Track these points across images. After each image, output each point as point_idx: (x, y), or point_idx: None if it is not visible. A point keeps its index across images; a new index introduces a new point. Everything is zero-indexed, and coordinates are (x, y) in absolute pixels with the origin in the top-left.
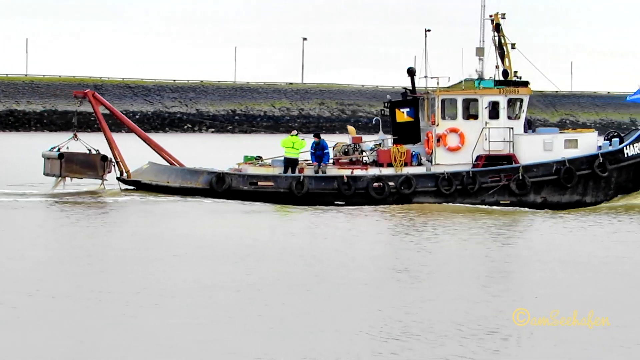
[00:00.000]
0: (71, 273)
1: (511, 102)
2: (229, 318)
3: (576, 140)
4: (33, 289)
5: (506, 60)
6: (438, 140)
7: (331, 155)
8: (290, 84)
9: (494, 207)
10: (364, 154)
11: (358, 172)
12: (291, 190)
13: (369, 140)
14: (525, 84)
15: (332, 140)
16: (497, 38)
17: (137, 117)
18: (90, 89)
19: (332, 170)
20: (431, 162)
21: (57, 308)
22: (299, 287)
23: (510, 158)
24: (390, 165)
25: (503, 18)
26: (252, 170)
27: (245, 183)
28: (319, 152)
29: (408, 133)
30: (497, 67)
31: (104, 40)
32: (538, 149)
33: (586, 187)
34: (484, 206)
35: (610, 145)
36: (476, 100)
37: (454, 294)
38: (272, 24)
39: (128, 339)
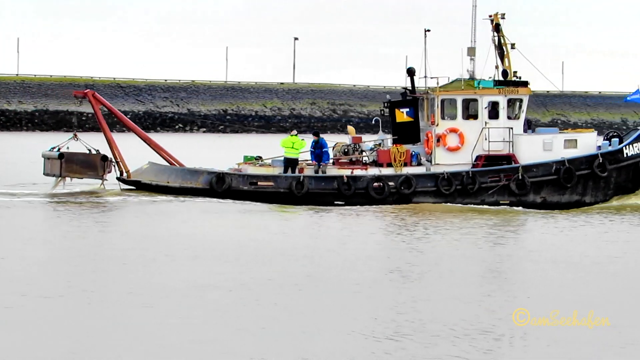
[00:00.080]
0: (69, 273)
1: (511, 102)
2: (221, 318)
3: (576, 140)
4: (26, 289)
5: (506, 60)
6: (438, 140)
7: (331, 155)
8: (282, 83)
9: (493, 207)
10: (364, 154)
11: (358, 172)
12: (291, 190)
13: (368, 140)
14: (525, 84)
15: (330, 140)
16: (496, 38)
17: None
18: (90, 89)
19: (332, 170)
20: (431, 162)
21: (52, 308)
22: (292, 287)
23: (509, 158)
24: (390, 165)
25: (503, 18)
26: (252, 170)
27: (245, 183)
28: (317, 151)
29: (408, 133)
30: (496, 67)
31: (96, 39)
32: (538, 149)
33: (586, 187)
34: (483, 206)
35: (609, 145)
36: (476, 100)
37: (449, 293)
38: (263, 24)
39: (122, 339)
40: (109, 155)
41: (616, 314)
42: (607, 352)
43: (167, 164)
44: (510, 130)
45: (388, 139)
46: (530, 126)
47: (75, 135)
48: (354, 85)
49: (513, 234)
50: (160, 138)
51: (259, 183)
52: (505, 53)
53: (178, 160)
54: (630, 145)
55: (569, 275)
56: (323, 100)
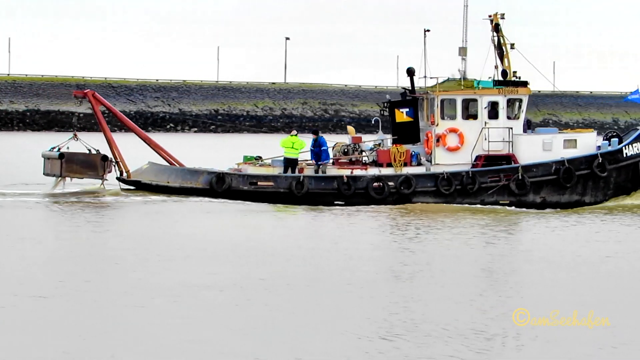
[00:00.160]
0: (66, 273)
1: (510, 102)
2: (217, 318)
3: (575, 140)
4: (25, 289)
5: (505, 60)
6: (437, 140)
7: (331, 155)
8: (273, 83)
9: (493, 207)
10: (364, 154)
11: (358, 172)
12: (291, 190)
13: (368, 141)
14: (525, 84)
15: (329, 140)
16: (496, 38)
17: None
18: (90, 89)
19: (331, 170)
20: (431, 162)
21: (47, 307)
22: (287, 288)
23: (509, 158)
24: (389, 165)
25: (502, 18)
26: (252, 170)
27: (245, 183)
28: (316, 149)
29: (407, 133)
30: (496, 67)
31: (87, 39)
32: (537, 149)
33: (585, 187)
34: (483, 206)
35: (609, 145)
36: (475, 100)
37: (448, 293)
38: (254, 24)
39: (117, 338)
40: (109, 155)
41: (616, 314)
42: (607, 352)
43: (167, 164)
44: (510, 130)
45: (388, 139)
46: (530, 126)
47: (75, 135)
48: (346, 85)
49: (515, 233)
50: (153, 138)
51: (259, 183)
52: (504, 53)
53: (178, 160)
54: (630, 145)
55: (563, 275)
56: (314, 100)
